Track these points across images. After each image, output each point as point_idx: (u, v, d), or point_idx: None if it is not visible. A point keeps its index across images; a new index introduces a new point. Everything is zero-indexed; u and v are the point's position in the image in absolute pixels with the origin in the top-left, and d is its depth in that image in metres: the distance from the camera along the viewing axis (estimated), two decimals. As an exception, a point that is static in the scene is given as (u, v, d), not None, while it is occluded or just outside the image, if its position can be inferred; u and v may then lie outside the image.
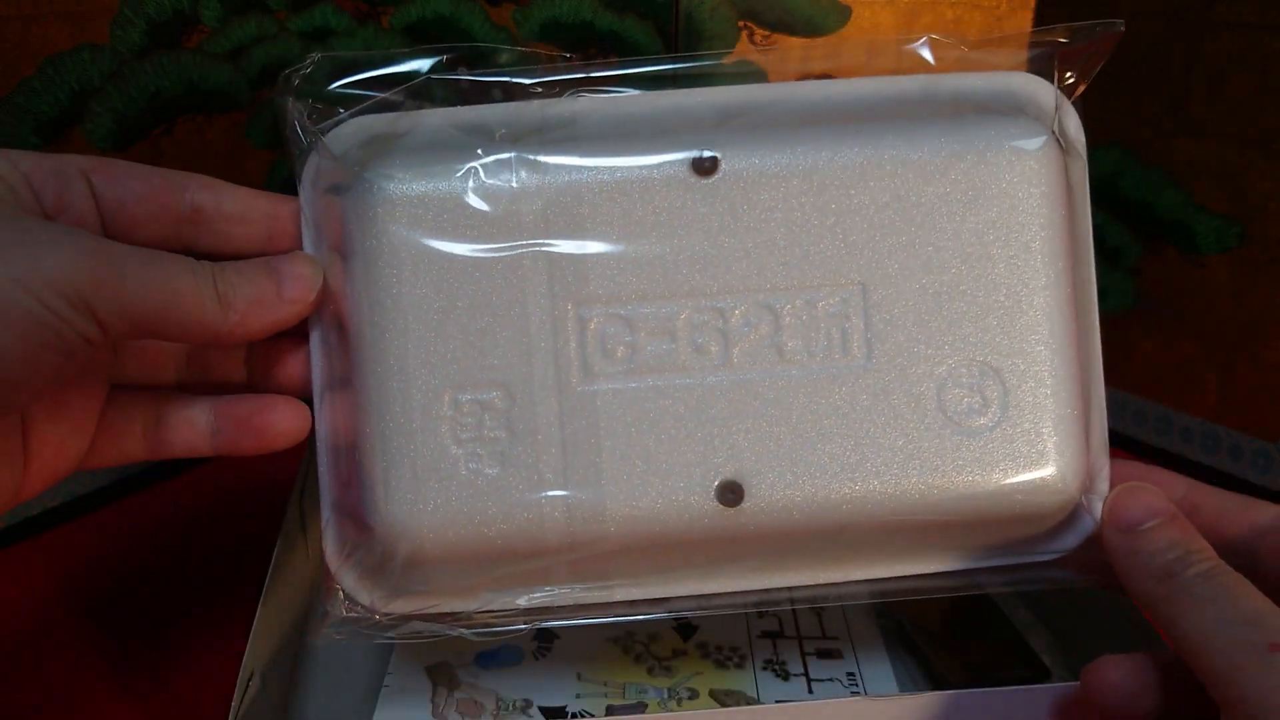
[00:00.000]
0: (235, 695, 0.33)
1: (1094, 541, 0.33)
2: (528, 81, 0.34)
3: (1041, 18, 0.56)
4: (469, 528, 0.32)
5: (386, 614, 0.33)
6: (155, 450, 0.33)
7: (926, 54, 0.36)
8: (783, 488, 0.32)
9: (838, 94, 0.35)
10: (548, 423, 0.32)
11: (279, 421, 0.33)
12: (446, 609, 0.34)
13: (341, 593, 0.33)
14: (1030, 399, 0.33)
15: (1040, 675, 0.39)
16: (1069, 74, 0.35)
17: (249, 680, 0.34)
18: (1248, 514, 0.31)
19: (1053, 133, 0.33)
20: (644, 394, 0.32)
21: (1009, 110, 0.34)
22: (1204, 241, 0.53)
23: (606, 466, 0.32)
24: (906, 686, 0.40)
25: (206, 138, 0.52)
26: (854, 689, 0.40)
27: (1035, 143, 0.33)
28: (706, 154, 0.32)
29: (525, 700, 0.39)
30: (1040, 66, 0.35)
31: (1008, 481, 0.32)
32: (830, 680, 0.40)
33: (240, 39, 0.52)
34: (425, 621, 0.33)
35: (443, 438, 0.32)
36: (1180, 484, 0.33)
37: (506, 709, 0.38)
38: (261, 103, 0.54)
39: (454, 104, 0.34)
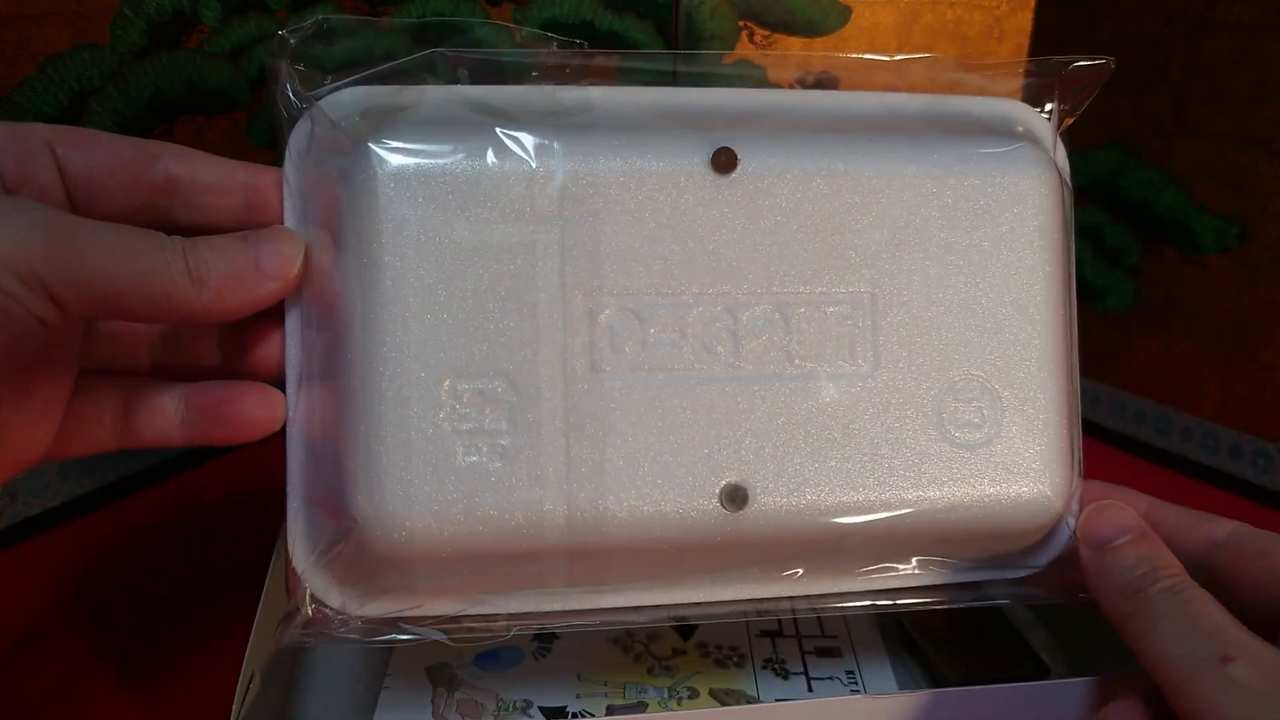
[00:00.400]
0: (236, 698, 0.33)
1: (1067, 559, 0.34)
2: (533, 61, 0.33)
3: (1041, 18, 0.56)
4: (463, 523, 0.30)
5: (359, 617, 0.31)
6: (125, 439, 0.32)
7: (923, 70, 0.37)
8: (786, 493, 0.32)
9: (851, 106, 0.35)
10: (551, 416, 0.31)
11: (249, 410, 0.31)
12: (427, 611, 0.32)
13: (309, 594, 0.31)
14: (1025, 417, 0.33)
15: (1039, 673, 0.39)
16: (1062, 105, 0.36)
17: (249, 682, 0.34)
18: (1204, 529, 0.32)
19: (1053, 160, 0.34)
20: (651, 391, 0.32)
21: (1011, 135, 0.35)
22: (1204, 241, 0.53)
23: (610, 464, 0.31)
24: (906, 685, 0.40)
25: (206, 138, 0.52)
26: (853, 687, 0.40)
27: (1039, 169, 0.34)
28: (725, 151, 0.32)
29: (525, 700, 0.39)
30: (1034, 94, 0.37)
31: (1001, 496, 0.33)
32: (830, 679, 0.40)
33: (240, 39, 0.52)
34: (404, 623, 0.32)
35: (441, 426, 0.30)
36: (1141, 501, 0.33)
37: (506, 710, 0.38)
38: (261, 103, 0.54)
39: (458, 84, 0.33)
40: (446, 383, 0.31)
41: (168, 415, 0.32)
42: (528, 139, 0.31)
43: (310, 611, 0.31)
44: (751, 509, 0.32)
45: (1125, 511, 0.32)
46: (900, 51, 0.56)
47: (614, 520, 0.31)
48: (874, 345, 0.33)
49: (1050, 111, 0.36)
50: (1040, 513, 0.33)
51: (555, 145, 0.31)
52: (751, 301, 0.32)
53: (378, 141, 0.31)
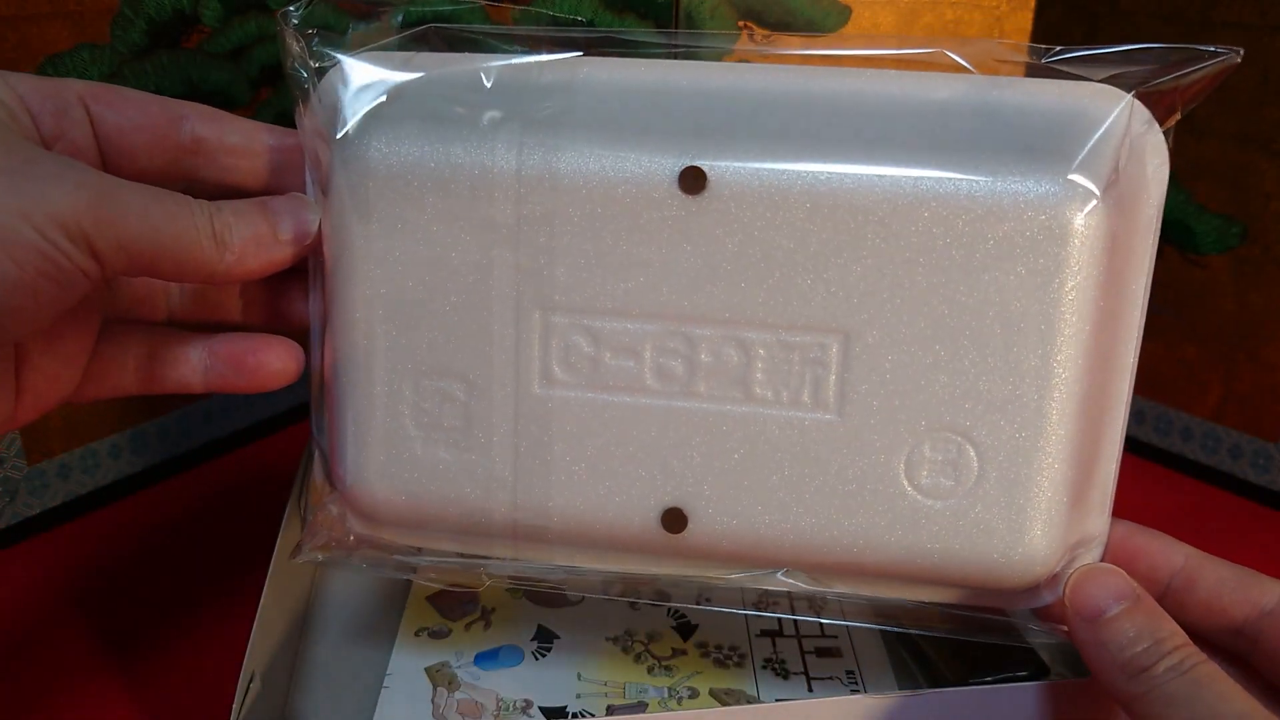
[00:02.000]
0: (236, 698, 0.33)
1: (1044, 612, 0.32)
2: (530, 35, 0.33)
3: (1041, 18, 0.56)
4: (423, 503, 0.33)
5: (354, 534, 0.34)
6: (148, 385, 0.33)
7: (958, 59, 0.31)
8: (727, 521, 0.32)
9: (863, 91, 0.31)
10: (503, 420, 0.32)
11: (271, 361, 0.33)
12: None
13: (323, 514, 0.34)
14: (1010, 477, 0.30)
15: (1040, 672, 0.39)
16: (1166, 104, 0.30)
17: (249, 682, 0.34)
18: (1250, 592, 0.29)
19: (1110, 181, 0.29)
20: (601, 408, 0.32)
21: (1061, 140, 0.29)
22: (1204, 241, 0.53)
23: (555, 472, 0.32)
24: (906, 684, 0.40)
25: (207, 138, 0.52)
26: (854, 687, 0.40)
27: (1075, 204, 0.28)
28: (694, 171, 0.30)
29: (525, 700, 0.39)
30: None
31: (964, 557, 0.31)
32: (830, 679, 0.40)
33: (240, 39, 0.52)
34: (394, 553, 0.35)
35: (403, 418, 0.32)
36: (1178, 554, 0.31)
37: (506, 709, 0.38)
38: (262, 103, 0.54)
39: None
40: (409, 378, 0.32)
41: (191, 364, 0.33)
42: (500, 145, 0.30)
43: (325, 526, 0.34)
44: (690, 532, 0.32)
45: (1115, 574, 0.30)
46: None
47: (556, 523, 0.33)
48: (841, 387, 0.30)
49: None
50: (1014, 574, 0.31)
51: (525, 150, 0.30)
52: (712, 330, 0.31)
53: (360, 134, 0.31)
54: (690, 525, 0.32)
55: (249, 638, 0.35)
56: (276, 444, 0.59)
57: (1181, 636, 0.28)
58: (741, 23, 0.55)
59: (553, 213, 0.31)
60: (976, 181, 0.29)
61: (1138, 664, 0.27)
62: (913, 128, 0.30)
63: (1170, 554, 0.31)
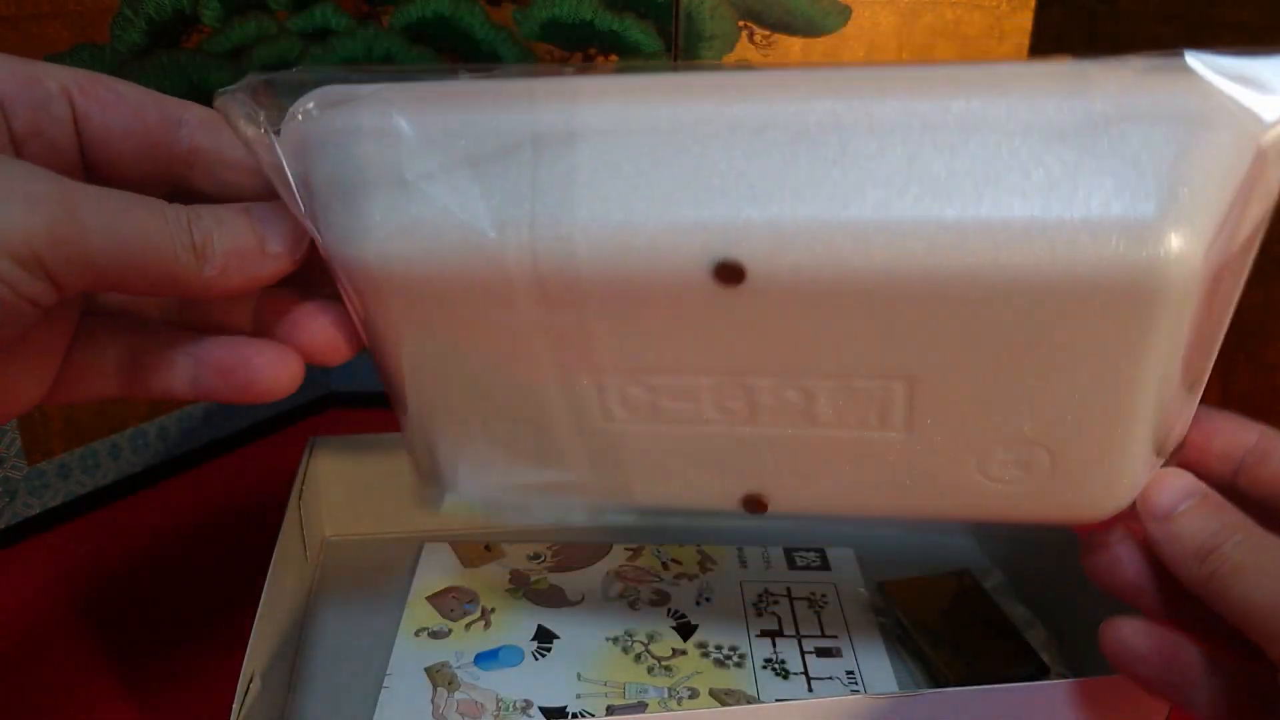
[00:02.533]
0: (236, 698, 0.33)
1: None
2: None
3: (1041, 18, 0.56)
4: (510, 502, 0.35)
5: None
6: (130, 390, 0.30)
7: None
8: (806, 502, 0.32)
9: (931, 111, 0.26)
10: (572, 447, 0.32)
11: (265, 374, 0.29)
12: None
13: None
14: (1081, 468, 0.29)
15: (1039, 672, 0.39)
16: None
17: (249, 682, 0.34)
18: None
19: (1224, 215, 0.25)
20: (667, 435, 0.31)
21: (1163, 156, 0.25)
22: (1204, 241, 0.53)
23: (634, 478, 0.33)
24: (906, 684, 0.40)
25: (206, 138, 0.52)
26: (853, 687, 0.40)
27: (1175, 252, 0.24)
28: (729, 266, 0.26)
29: (525, 700, 0.39)
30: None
31: (1039, 517, 0.31)
32: (830, 679, 0.40)
33: (240, 39, 0.52)
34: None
35: (479, 446, 0.32)
36: (1251, 431, 0.31)
37: (506, 709, 0.38)
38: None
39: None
40: (478, 419, 0.32)
41: (177, 371, 0.29)
42: (507, 239, 0.27)
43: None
44: (771, 513, 0.32)
45: (1182, 476, 0.30)
46: (901, 53, 0.56)
47: (642, 506, 0.34)
48: (908, 415, 0.29)
49: None
50: (1094, 518, 0.31)
51: (534, 248, 0.27)
52: (769, 381, 0.29)
53: (346, 229, 0.27)
54: (771, 509, 0.32)
55: (249, 638, 0.35)
56: (276, 444, 0.59)
57: (1247, 522, 0.29)
58: (741, 22, 0.55)
59: (582, 307, 0.28)
60: (1058, 226, 0.25)
61: (1206, 546, 0.29)
62: (980, 159, 0.25)
63: (1243, 432, 0.32)
